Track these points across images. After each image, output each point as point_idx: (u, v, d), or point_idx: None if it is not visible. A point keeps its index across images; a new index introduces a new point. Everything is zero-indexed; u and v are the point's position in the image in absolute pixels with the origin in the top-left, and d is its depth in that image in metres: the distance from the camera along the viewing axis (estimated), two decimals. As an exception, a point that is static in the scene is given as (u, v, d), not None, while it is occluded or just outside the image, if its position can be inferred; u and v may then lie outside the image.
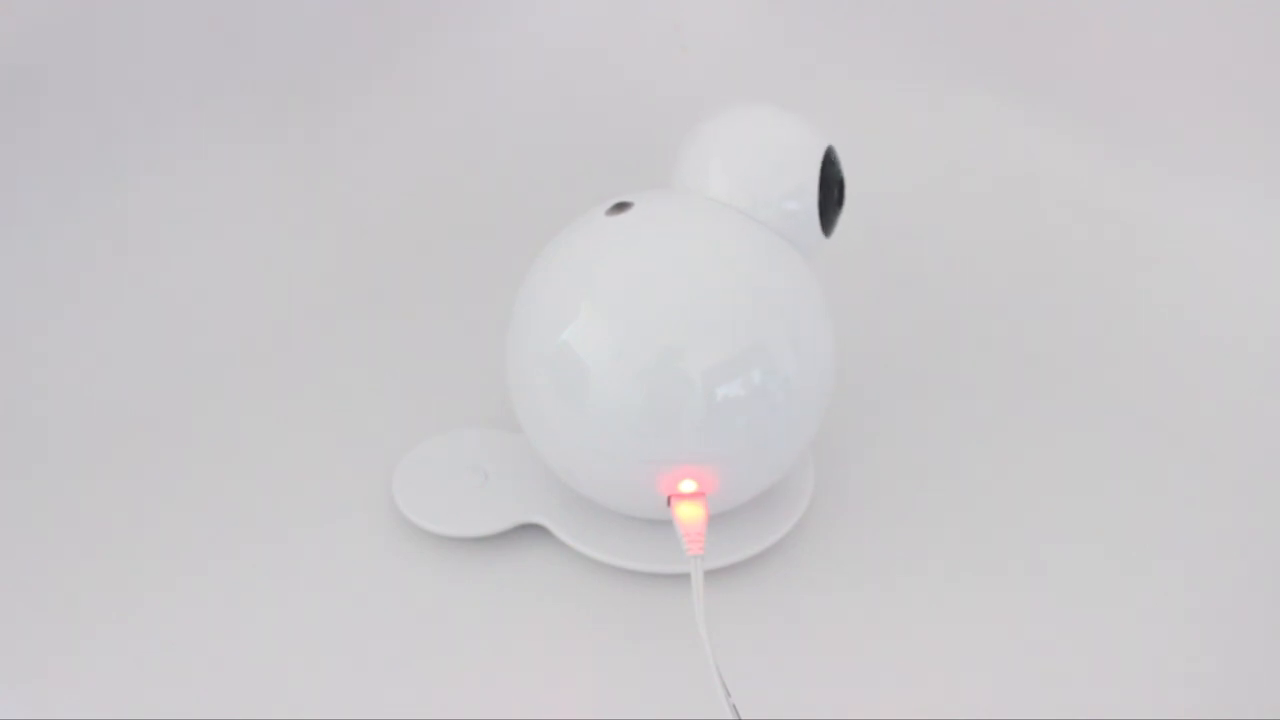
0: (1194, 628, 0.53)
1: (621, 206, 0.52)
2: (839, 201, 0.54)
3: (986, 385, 0.64)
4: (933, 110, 0.79)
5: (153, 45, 0.72)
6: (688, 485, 0.51)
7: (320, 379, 0.64)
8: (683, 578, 0.51)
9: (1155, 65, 0.74)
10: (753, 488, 0.54)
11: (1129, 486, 0.59)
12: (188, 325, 0.66)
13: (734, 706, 0.46)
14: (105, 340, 0.65)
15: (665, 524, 0.52)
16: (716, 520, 0.53)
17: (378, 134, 0.79)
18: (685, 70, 0.84)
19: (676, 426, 0.50)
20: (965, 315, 0.68)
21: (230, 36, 0.75)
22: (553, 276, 0.52)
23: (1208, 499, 0.58)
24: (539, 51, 0.84)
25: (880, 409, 0.62)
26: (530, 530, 0.55)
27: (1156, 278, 0.70)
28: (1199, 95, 0.73)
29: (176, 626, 0.52)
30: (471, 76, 0.82)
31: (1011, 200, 0.75)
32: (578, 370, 0.50)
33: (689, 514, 0.51)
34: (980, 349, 0.66)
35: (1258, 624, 0.53)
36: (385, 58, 0.81)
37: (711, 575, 0.51)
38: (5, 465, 0.59)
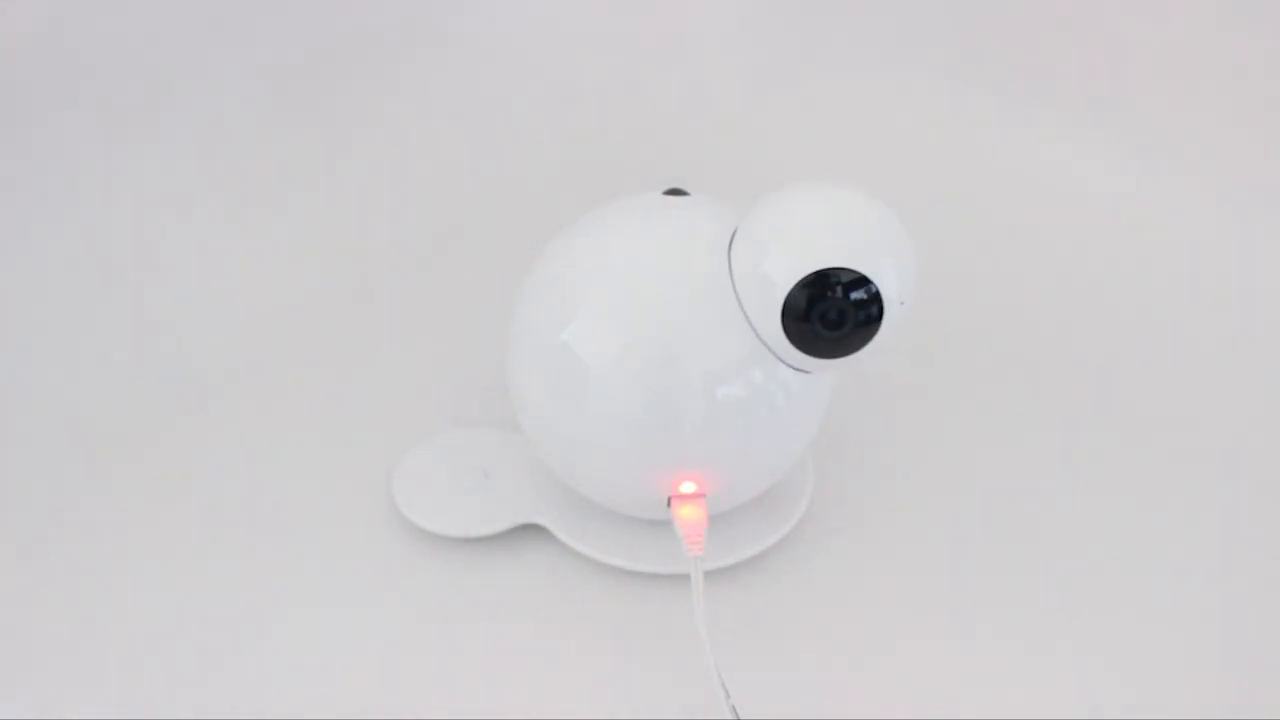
0: (1195, 630, 0.53)
1: (676, 192, 0.52)
2: (833, 325, 0.47)
3: (986, 385, 0.64)
4: (930, 110, 0.79)
5: (153, 44, 0.72)
6: (687, 486, 0.51)
7: (320, 379, 0.64)
8: (683, 578, 0.51)
9: (1155, 65, 0.74)
10: (753, 488, 0.54)
11: (1130, 487, 0.59)
12: (187, 325, 0.66)
13: (734, 707, 0.46)
14: (105, 341, 0.65)
15: (665, 524, 0.52)
16: (716, 520, 0.53)
17: (376, 134, 0.79)
18: (687, 72, 0.84)
19: (676, 427, 0.50)
20: (965, 316, 0.68)
21: (231, 33, 0.75)
22: (553, 276, 0.52)
23: (1210, 500, 0.58)
24: (537, 53, 0.84)
25: (880, 409, 0.62)
26: (530, 530, 0.55)
27: (1158, 278, 0.70)
28: (1204, 95, 0.73)
29: (177, 627, 0.52)
30: (470, 77, 0.82)
31: (1012, 201, 0.75)
32: (578, 370, 0.50)
33: (689, 514, 0.51)
34: (980, 349, 0.66)
35: (1259, 625, 0.53)
36: (382, 58, 0.81)
37: (711, 575, 0.51)
38: (5, 466, 0.59)
